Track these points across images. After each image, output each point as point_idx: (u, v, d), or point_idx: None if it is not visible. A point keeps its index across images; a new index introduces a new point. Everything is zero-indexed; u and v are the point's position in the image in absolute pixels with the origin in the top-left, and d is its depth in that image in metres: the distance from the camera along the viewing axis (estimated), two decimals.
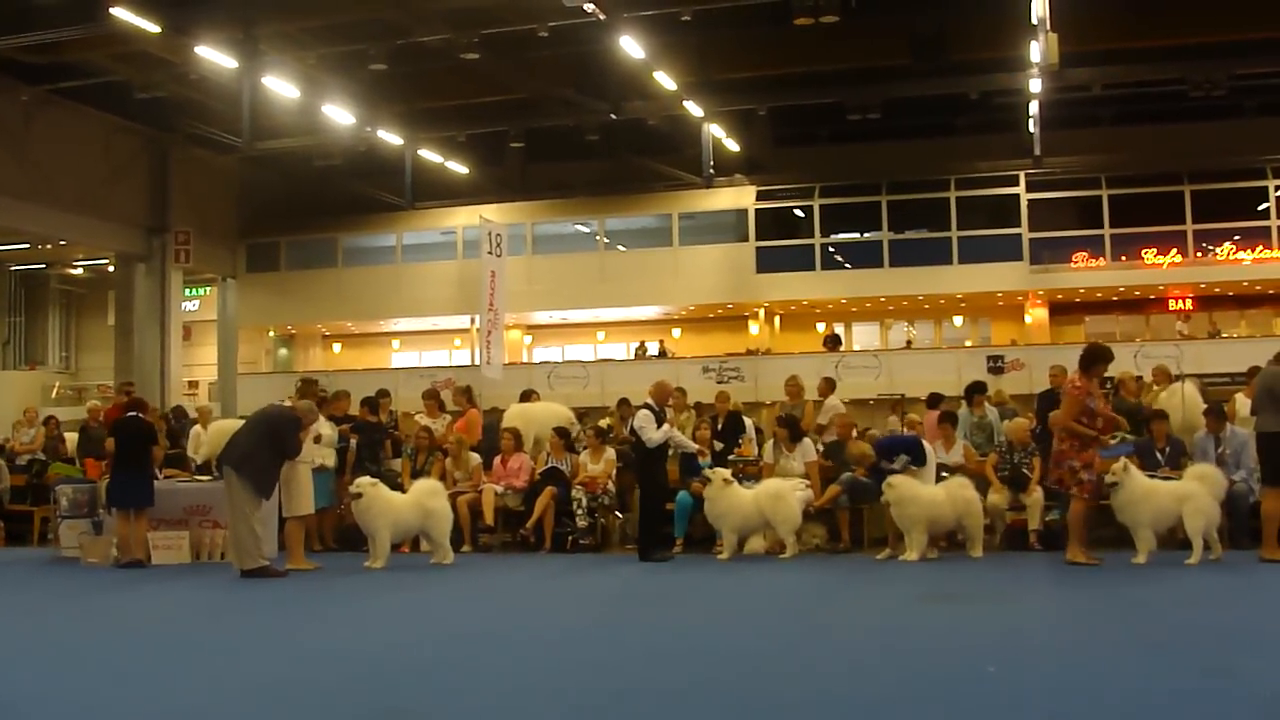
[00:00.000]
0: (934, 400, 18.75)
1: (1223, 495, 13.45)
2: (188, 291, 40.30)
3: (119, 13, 23.89)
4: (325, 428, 16.56)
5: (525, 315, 39.88)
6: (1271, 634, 9.09)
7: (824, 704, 7.00)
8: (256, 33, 27.01)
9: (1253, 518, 13.95)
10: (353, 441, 17.49)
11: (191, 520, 16.15)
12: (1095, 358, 13.66)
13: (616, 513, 17.21)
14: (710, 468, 15.70)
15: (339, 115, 30.48)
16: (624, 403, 19.38)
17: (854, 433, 17.40)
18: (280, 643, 9.71)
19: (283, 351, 44.84)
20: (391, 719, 6.83)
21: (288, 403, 16.29)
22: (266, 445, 14.15)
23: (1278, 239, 34.83)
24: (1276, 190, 35.13)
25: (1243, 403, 16.15)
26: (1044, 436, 15.90)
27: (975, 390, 18.10)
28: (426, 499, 15.16)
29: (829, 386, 20.02)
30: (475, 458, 17.77)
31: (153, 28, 24.77)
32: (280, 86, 28.36)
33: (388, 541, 14.76)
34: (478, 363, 27.09)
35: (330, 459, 16.60)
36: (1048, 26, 23.52)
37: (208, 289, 42.47)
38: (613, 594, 12.64)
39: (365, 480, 14.98)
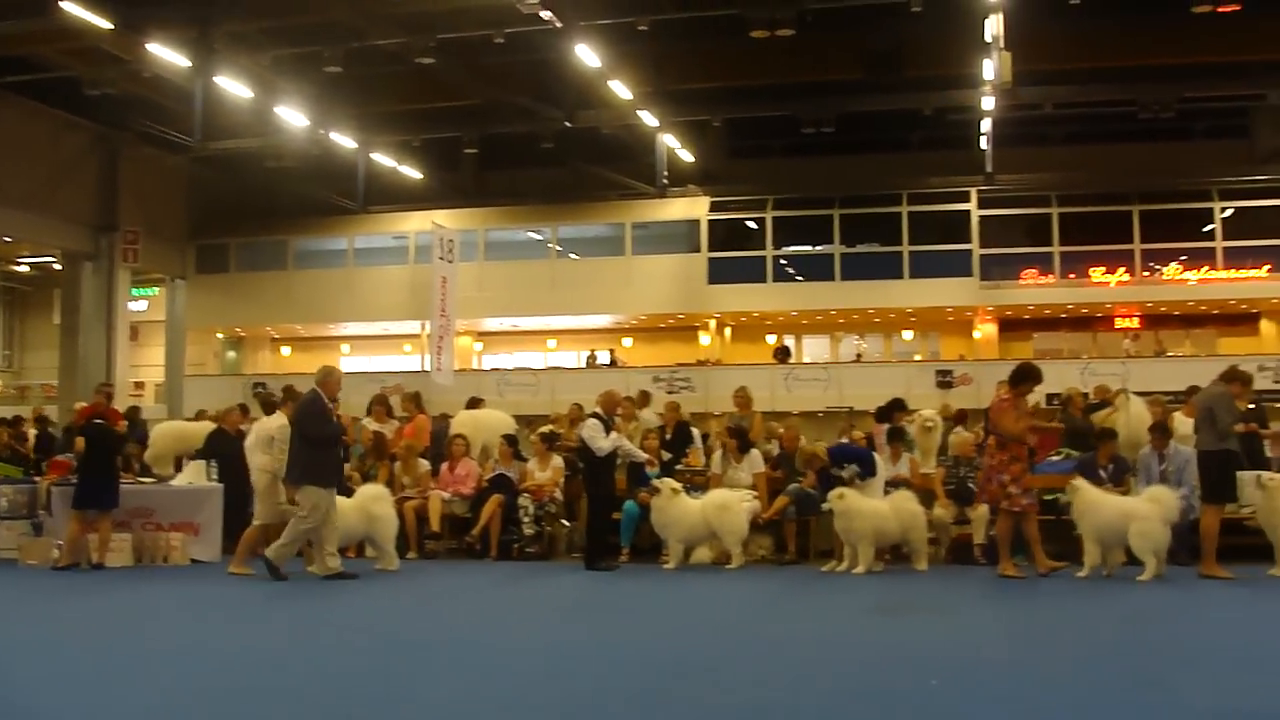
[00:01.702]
0: (882, 414, 18.77)
1: (1174, 518, 13.48)
2: (135, 291, 40.00)
3: (69, 7, 23.65)
4: (275, 431, 16.48)
5: (476, 322, 39.80)
6: (1208, 649, 9.18)
7: (765, 714, 7.02)
8: (210, 32, 26.81)
9: (1193, 534, 14.09)
10: None
11: (134, 522, 16.00)
12: (1025, 375, 14.15)
13: (563, 521, 17.14)
14: (658, 477, 15.70)
15: (292, 117, 30.29)
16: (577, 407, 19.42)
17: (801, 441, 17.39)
18: (219, 647, 9.62)
19: (231, 354, 44.59)
20: None
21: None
22: (305, 443, 14.16)
23: (1222, 260, 35.22)
24: (1222, 212, 35.55)
25: (1181, 421, 16.31)
26: None
27: (895, 408, 18.14)
28: (371, 504, 15.10)
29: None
30: (424, 464, 17.73)
31: (104, 23, 24.54)
32: (233, 87, 28.15)
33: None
34: (428, 368, 27.01)
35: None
36: (1001, 45, 23.74)
37: (156, 289, 42.18)
38: (558, 603, 12.63)
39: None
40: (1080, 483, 13.81)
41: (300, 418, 14.33)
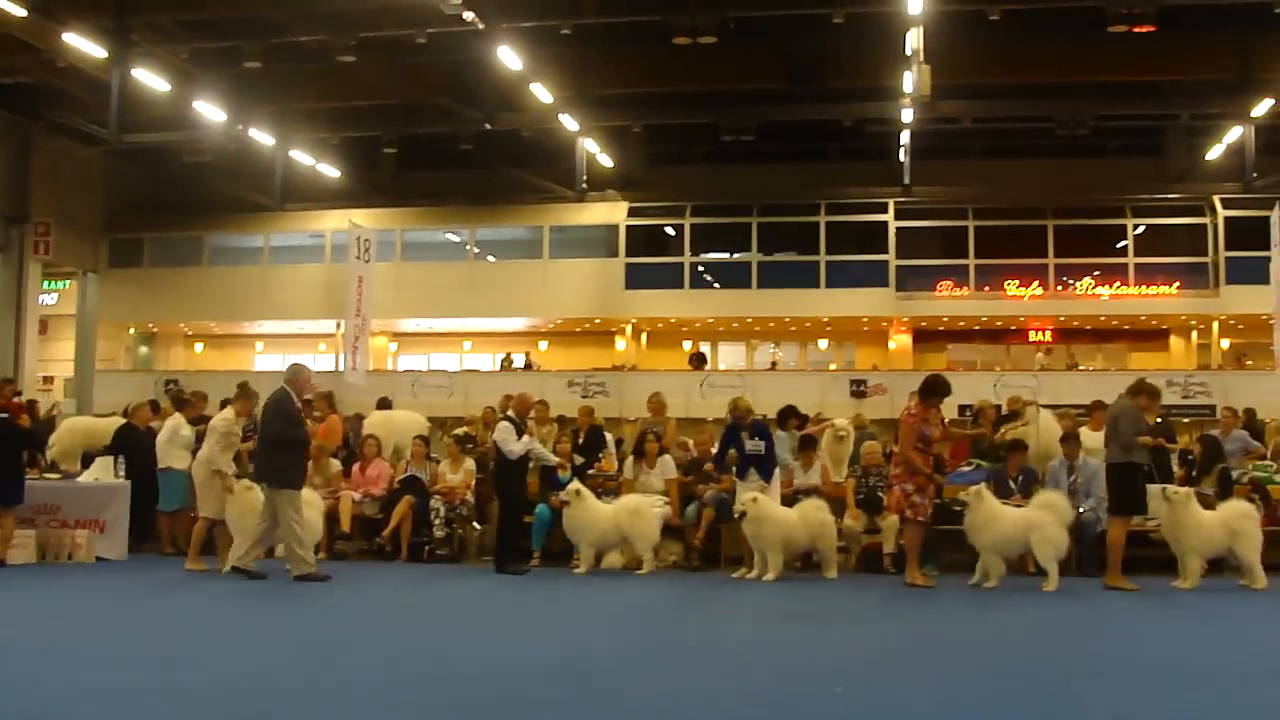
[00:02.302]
0: (780, 420, 18.72)
1: (1069, 522, 13.82)
2: (46, 284, 39.43)
3: None
4: (184, 429, 16.30)
5: (392, 322, 39.58)
6: (1111, 659, 9.28)
7: (666, 719, 7.02)
8: (128, 23, 26.51)
9: (1100, 546, 14.30)
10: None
11: (39, 519, 15.74)
12: (933, 389, 14.25)
13: (475, 523, 17.09)
14: (569, 481, 15.67)
15: (210, 112, 29.96)
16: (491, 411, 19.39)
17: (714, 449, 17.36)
18: (125, 646, 9.51)
19: (143, 349, 44.02)
20: None
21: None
22: (271, 444, 14.04)
23: (1134, 276, 35.70)
24: (1135, 228, 36.05)
25: (1087, 435, 16.51)
26: None
27: (789, 415, 18.19)
28: None
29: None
30: (335, 464, 17.58)
31: (18, 10, 24.14)
32: (151, 79, 27.82)
33: (246, 544, 14.57)
34: (342, 368, 26.82)
35: (184, 461, 16.19)
36: (921, 59, 23.96)
37: (67, 282, 41.59)
38: (466, 605, 12.59)
39: (242, 483, 14.81)
40: (983, 492, 13.94)
41: (270, 419, 14.17)
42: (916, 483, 13.74)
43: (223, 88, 29.85)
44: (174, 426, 16.51)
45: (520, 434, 15.18)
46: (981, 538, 13.72)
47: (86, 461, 18.05)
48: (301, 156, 35.69)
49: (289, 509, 13.81)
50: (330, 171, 36.79)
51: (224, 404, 17.06)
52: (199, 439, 16.10)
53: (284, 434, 14.02)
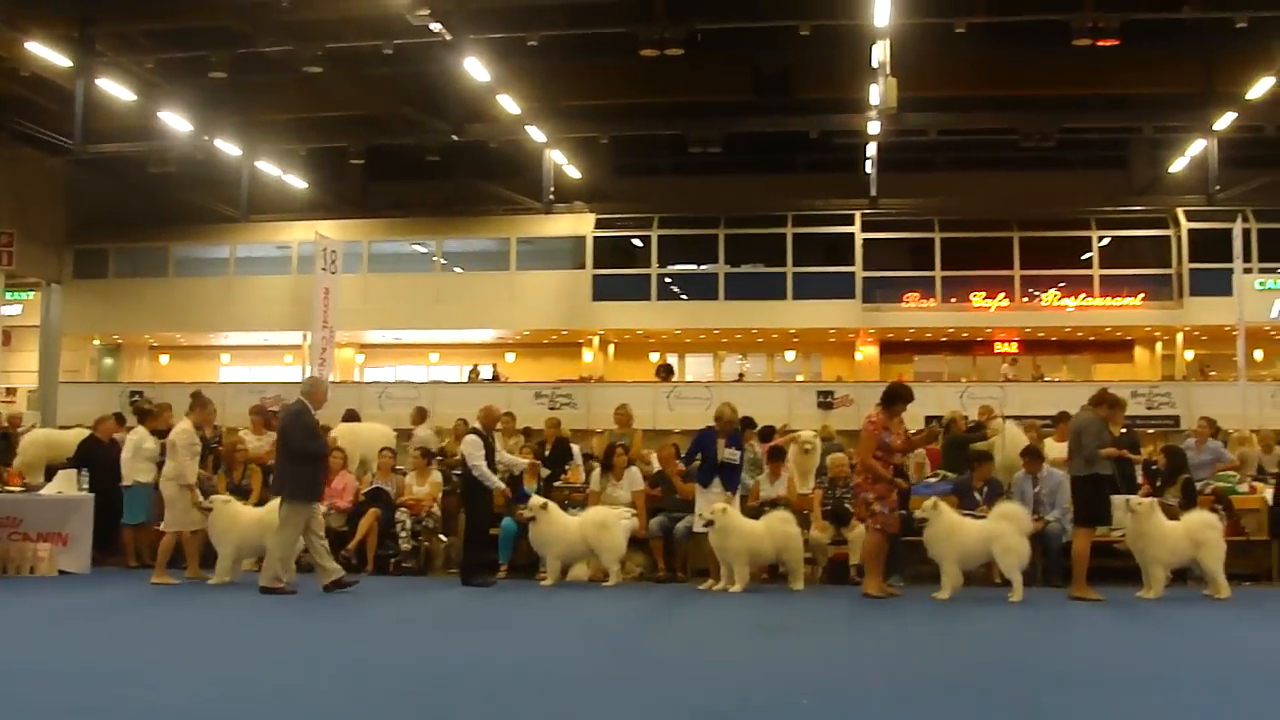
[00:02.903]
0: (766, 434, 18.84)
1: (1029, 531, 13.82)
2: (9, 295, 39.11)
3: None
4: (148, 441, 16.19)
5: (358, 334, 39.47)
6: (1077, 669, 9.29)
7: None
8: (93, 32, 26.44)
9: (1065, 557, 14.34)
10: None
11: (0, 532, 15.62)
12: (895, 396, 14.23)
13: (441, 536, 17.04)
14: (534, 493, 15.66)
15: (176, 122, 29.85)
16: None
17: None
18: (85, 662, 9.42)
19: (108, 361, 43.80)
20: None
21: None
22: (290, 457, 13.98)
23: (1099, 287, 35.89)
24: (1099, 240, 36.25)
25: (1052, 446, 16.58)
26: None
27: (744, 425, 18.18)
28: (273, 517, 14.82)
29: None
30: None
31: None
32: (116, 89, 27.71)
33: (230, 558, 14.65)
34: None
35: (148, 474, 16.07)
36: (887, 71, 24.04)
37: (31, 293, 41.33)
38: (431, 618, 12.53)
39: (219, 496, 14.76)
40: (940, 505, 13.96)
41: (287, 431, 14.09)
42: (877, 491, 13.75)
43: (188, 98, 29.74)
44: (137, 441, 16.35)
45: (487, 446, 15.16)
46: (944, 550, 13.71)
47: (50, 474, 17.92)
48: (268, 167, 35.56)
49: (292, 521, 13.74)
50: (297, 183, 36.69)
51: None
52: (163, 451, 16.04)
53: (303, 447, 13.97)
